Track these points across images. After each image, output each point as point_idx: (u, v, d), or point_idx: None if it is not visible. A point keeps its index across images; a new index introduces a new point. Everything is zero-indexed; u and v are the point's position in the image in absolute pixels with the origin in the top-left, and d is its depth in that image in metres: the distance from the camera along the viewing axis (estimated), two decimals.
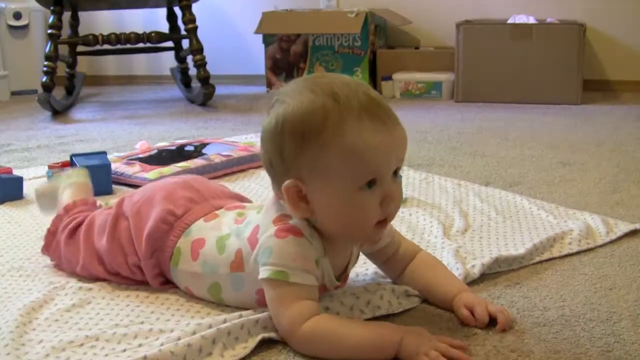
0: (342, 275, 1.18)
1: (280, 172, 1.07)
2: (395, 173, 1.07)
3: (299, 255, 1.06)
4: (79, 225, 1.37)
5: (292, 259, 1.05)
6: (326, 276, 1.13)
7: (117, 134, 2.86)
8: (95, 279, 1.31)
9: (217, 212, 1.26)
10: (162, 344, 1.03)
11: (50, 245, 1.41)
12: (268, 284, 1.06)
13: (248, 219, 1.18)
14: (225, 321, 1.08)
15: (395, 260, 1.23)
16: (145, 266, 1.25)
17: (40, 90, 3.30)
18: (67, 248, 1.36)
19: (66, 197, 1.50)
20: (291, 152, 1.04)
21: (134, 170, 2.00)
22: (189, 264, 1.20)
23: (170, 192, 1.29)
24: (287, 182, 1.05)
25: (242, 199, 1.38)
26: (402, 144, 1.06)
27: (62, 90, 3.79)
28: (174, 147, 2.31)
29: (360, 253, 1.24)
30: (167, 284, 1.27)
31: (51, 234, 1.41)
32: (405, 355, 0.99)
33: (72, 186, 1.54)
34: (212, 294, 1.19)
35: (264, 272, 1.06)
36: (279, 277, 1.05)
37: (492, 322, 1.11)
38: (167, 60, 4.19)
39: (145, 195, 1.31)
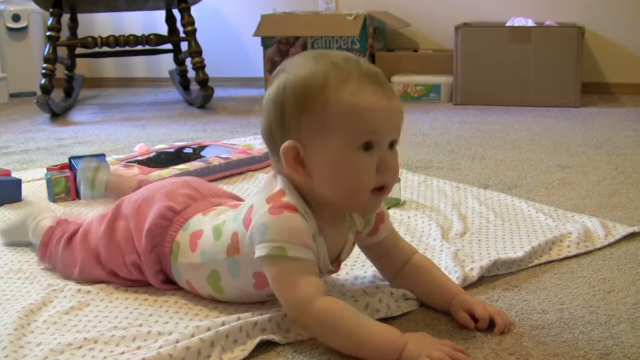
0: (336, 260, 1.18)
1: (280, 137, 1.08)
2: (392, 145, 1.08)
3: (295, 230, 1.06)
4: (74, 233, 1.38)
5: (288, 234, 1.05)
6: (321, 257, 1.13)
7: (116, 136, 2.85)
8: (92, 281, 1.31)
9: (216, 208, 1.27)
10: (160, 347, 1.03)
11: (44, 256, 1.41)
12: (267, 262, 1.06)
13: (243, 203, 1.19)
14: (223, 324, 1.08)
15: (391, 259, 1.23)
16: (145, 262, 1.25)
17: (38, 92, 3.30)
18: (64, 254, 1.36)
19: (48, 220, 1.47)
20: (292, 114, 1.06)
21: (133, 172, 2.00)
22: (188, 256, 1.21)
23: (170, 190, 1.30)
24: (286, 143, 1.06)
25: (240, 200, 1.39)
26: (399, 113, 1.08)
27: (61, 93, 3.78)
28: (172, 150, 2.31)
29: (356, 246, 1.24)
30: (167, 282, 1.27)
31: (44, 245, 1.41)
32: (408, 357, 0.99)
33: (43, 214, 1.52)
34: (211, 283, 1.19)
35: (260, 250, 1.06)
36: (277, 253, 1.05)
37: (490, 325, 1.11)
38: (166, 63, 4.19)
39: (145, 194, 1.32)
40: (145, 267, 1.26)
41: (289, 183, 1.10)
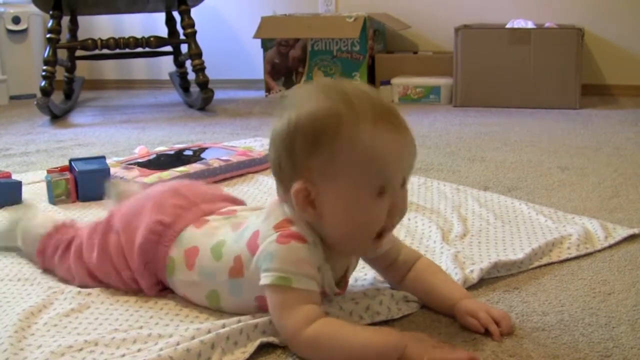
0: (342, 280, 1.17)
1: (289, 174, 1.06)
2: (403, 183, 1.08)
3: (302, 261, 1.05)
4: (69, 245, 1.36)
5: (294, 265, 1.05)
6: (327, 283, 1.12)
7: (116, 138, 2.86)
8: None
9: (207, 217, 1.25)
10: (161, 349, 1.03)
11: (44, 264, 1.40)
12: (271, 290, 1.06)
13: (246, 224, 1.17)
14: (224, 326, 1.08)
15: (396, 267, 1.23)
16: (140, 278, 1.24)
17: (39, 94, 3.30)
18: (60, 267, 1.36)
19: (40, 228, 1.45)
20: (303, 153, 1.04)
21: (133, 174, 2.00)
22: (185, 274, 1.20)
23: (158, 201, 1.28)
24: (296, 184, 1.05)
25: (234, 201, 1.37)
26: (413, 152, 1.07)
27: (61, 95, 3.78)
28: (172, 152, 2.31)
29: (360, 259, 1.24)
30: (164, 290, 1.27)
31: (40, 254, 1.40)
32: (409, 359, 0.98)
33: (30, 217, 1.50)
34: (211, 301, 1.19)
35: (266, 278, 1.05)
36: (282, 283, 1.04)
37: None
38: (166, 65, 4.19)
39: (134, 206, 1.30)
40: (141, 281, 1.25)
41: None
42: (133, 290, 1.27)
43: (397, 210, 1.07)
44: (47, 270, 1.40)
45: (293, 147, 1.04)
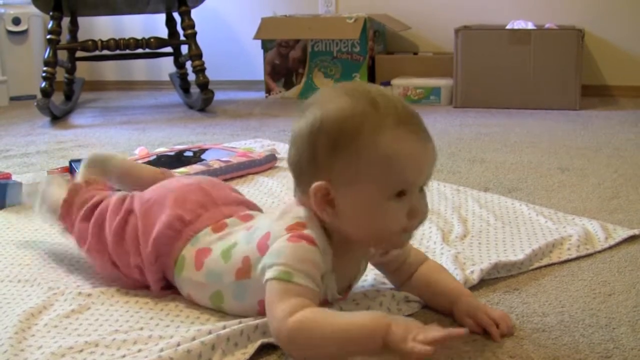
0: (346, 288, 1.17)
1: (310, 173, 1.06)
2: (421, 188, 1.08)
3: (307, 260, 1.04)
4: (95, 206, 1.35)
5: (299, 262, 1.04)
6: (329, 291, 1.12)
7: (116, 139, 2.86)
8: (92, 282, 1.32)
9: (226, 220, 1.25)
10: (161, 350, 1.03)
11: (66, 215, 1.39)
12: (270, 284, 1.04)
13: (256, 225, 1.17)
14: (224, 327, 1.08)
15: (403, 270, 1.22)
16: (148, 270, 1.24)
17: (39, 95, 3.30)
18: (80, 226, 1.35)
19: (61, 190, 1.45)
20: (325, 153, 1.04)
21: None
22: (193, 273, 1.20)
23: (181, 195, 1.28)
24: (317, 183, 1.05)
25: (252, 206, 1.36)
26: (433, 158, 1.07)
27: (61, 96, 3.78)
28: (173, 153, 2.31)
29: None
30: (167, 288, 1.27)
31: (67, 204, 1.39)
32: (395, 339, 0.93)
33: (49, 182, 1.52)
34: (214, 302, 1.18)
35: (269, 273, 1.04)
36: (283, 277, 1.03)
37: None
38: (166, 66, 4.19)
39: (156, 195, 1.30)
40: (147, 273, 1.25)
41: (313, 215, 1.08)
42: (134, 280, 1.27)
43: (416, 213, 1.06)
44: (64, 225, 1.40)
45: (315, 146, 1.04)
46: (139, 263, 1.25)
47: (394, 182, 1.03)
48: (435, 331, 0.93)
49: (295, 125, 1.09)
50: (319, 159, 1.04)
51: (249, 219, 1.25)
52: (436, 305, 1.19)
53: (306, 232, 1.07)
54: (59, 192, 1.44)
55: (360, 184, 1.03)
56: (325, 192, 1.05)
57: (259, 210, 1.37)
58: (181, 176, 1.59)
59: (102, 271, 1.33)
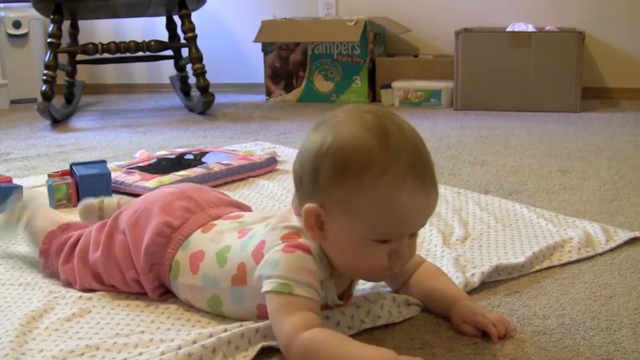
0: (346, 293, 1.17)
1: (308, 192, 1.06)
2: (413, 234, 1.08)
3: (304, 270, 1.05)
4: (74, 246, 1.36)
5: (297, 273, 1.04)
6: (329, 297, 1.12)
7: (117, 142, 2.86)
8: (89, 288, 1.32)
9: (214, 222, 1.26)
10: (162, 353, 1.03)
11: (46, 264, 1.40)
12: (271, 297, 1.05)
13: (252, 232, 1.17)
14: (225, 330, 1.08)
15: (400, 274, 1.22)
16: (144, 280, 1.24)
17: (39, 98, 3.30)
18: (63, 269, 1.35)
19: (44, 219, 1.45)
20: (326, 179, 1.02)
21: (134, 179, 2.00)
22: (189, 277, 1.20)
23: (167, 203, 1.28)
24: (310, 205, 1.05)
25: (240, 206, 1.38)
26: (433, 209, 1.06)
27: (62, 99, 3.79)
28: (173, 156, 2.31)
29: None
30: (166, 294, 1.27)
31: (44, 253, 1.39)
32: None
33: (34, 211, 1.48)
34: (212, 306, 1.19)
35: (267, 285, 1.05)
36: (282, 290, 1.04)
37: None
38: (166, 69, 4.19)
39: (142, 206, 1.30)
40: (144, 283, 1.25)
41: None
42: (134, 292, 1.28)
43: (399, 257, 1.07)
44: (48, 272, 1.40)
45: (319, 169, 1.03)
46: (134, 276, 1.26)
47: (386, 230, 1.03)
48: None
49: (307, 138, 1.08)
50: (319, 182, 1.04)
51: (237, 218, 1.25)
52: (434, 308, 1.19)
53: (301, 240, 1.08)
54: (42, 224, 1.43)
55: (352, 219, 1.03)
56: (317, 215, 1.05)
57: (248, 209, 1.38)
58: (164, 187, 1.59)
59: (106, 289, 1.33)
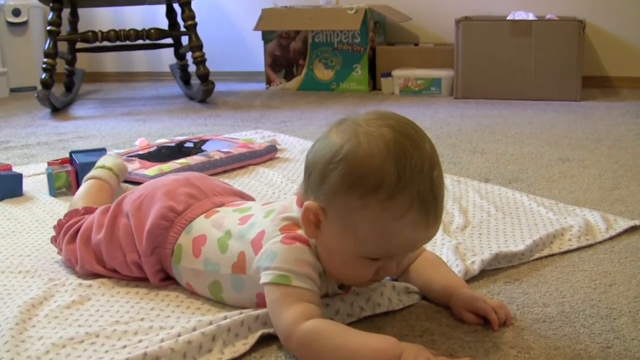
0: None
1: (313, 189, 1.05)
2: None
3: (303, 261, 1.05)
4: (79, 227, 1.37)
5: (295, 264, 1.04)
6: (329, 288, 1.13)
7: (117, 130, 2.85)
8: (93, 276, 1.32)
9: (217, 209, 1.26)
10: (162, 341, 1.03)
11: (56, 238, 1.41)
12: (269, 288, 1.05)
13: (252, 220, 1.17)
14: (225, 318, 1.08)
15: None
16: (145, 263, 1.25)
17: (39, 87, 3.30)
18: (67, 249, 1.36)
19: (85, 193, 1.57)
20: (333, 187, 1.01)
21: (134, 167, 2.00)
22: (191, 261, 1.20)
23: (171, 188, 1.29)
24: (312, 203, 1.04)
25: (244, 196, 1.38)
26: (430, 239, 1.07)
27: (62, 87, 3.78)
28: (173, 144, 2.31)
29: None
30: (167, 280, 1.27)
31: (59, 227, 1.41)
32: None
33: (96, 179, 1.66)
34: (213, 292, 1.19)
35: (265, 277, 1.05)
36: (281, 281, 1.04)
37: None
38: (166, 57, 4.18)
39: (146, 192, 1.31)
40: (145, 266, 1.25)
41: None
42: (135, 277, 1.28)
43: (385, 272, 1.08)
44: (57, 248, 1.41)
45: (328, 175, 1.02)
46: (135, 259, 1.26)
47: (378, 252, 1.04)
48: None
49: (327, 134, 1.06)
50: (326, 186, 1.02)
51: (239, 206, 1.26)
52: (434, 298, 1.19)
53: (300, 232, 1.08)
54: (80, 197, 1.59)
55: (348, 233, 1.02)
56: (316, 215, 1.05)
57: (251, 199, 1.38)
58: (168, 174, 1.60)
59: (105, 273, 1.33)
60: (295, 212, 1.11)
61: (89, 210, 1.43)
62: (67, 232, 1.38)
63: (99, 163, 1.75)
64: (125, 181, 1.96)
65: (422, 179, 0.99)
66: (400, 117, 1.04)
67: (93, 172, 1.71)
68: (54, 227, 1.43)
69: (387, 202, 0.98)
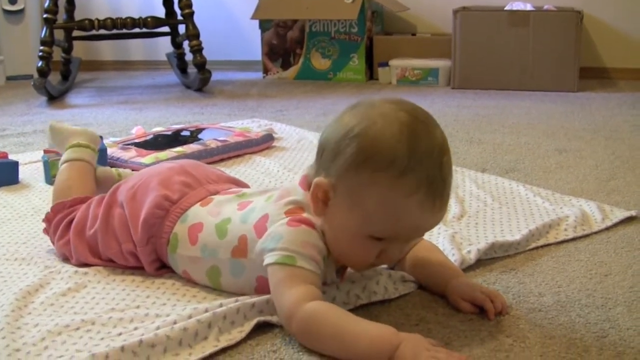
0: (341, 269, 1.17)
1: (325, 166, 1.06)
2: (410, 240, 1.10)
3: (308, 244, 1.05)
4: (71, 222, 1.36)
5: (300, 246, 1.05)
6: (328, 273, 1.13)
7: (113, 119, 2.85)
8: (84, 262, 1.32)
9: (212, 197, 1.26)
10: (158, 328, 1.03)
11: (48, 230, 1.40)
12: (273, 269, 1.05)
13: (252, 205, 1.17)
14: (221, 305, 1.08)
15: None
16: (141, 252, 1.24)
17: (35, 75, 3.29)
18: (59, 244, 1.35)
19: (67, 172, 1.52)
20: (345, 163, 1.02)
21: (130, 155, 2.00)
22: (188, 249, 1.20)
23: (166, 177, 1.29)
24: (322, 179, 1.05)
25: (238, 183, 1.38)
26: (435, 225, 1.07)
27: (58, 76, 3.77)
28: (169, 133, 2.30)
29: None
30: (162, 268, 1.27)
31: (48, 221, 1.40)
32: (400, 359, 0.94)
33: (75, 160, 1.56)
34: (211, 277, 1.19)
35: (270, 257, 1.05)
36: (286, 262, 1.04)
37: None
38: (163, 46, 4.17)
39: (140, 180, 1.30)
40: (141, 256, 1.25)
41: None
42: (131, 266, 1.28)
43: (386, 257, 1.08)
44: (50, 238, 1.40)
45: (341, 150, 1.03)
46: (131, 249, 1.25)
47: (383, 230, 1.04)
48: (443, 353, 0.94)
49: (341, 116, 1.07)
50: (338, 162, 1.03)
51: (235, 193, 1.26)
52: (430, 286, 1.19)
53: (305, 215, 1.08)
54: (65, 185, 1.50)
55: (356, 209, 1.03)
56: (325, 191, 1.05)
57: (245, 186, 1.38)
58: (163, 162, 1.60)
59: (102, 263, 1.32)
60: (300, 195, 1.11)
61: (76, 201, 1.41)
62: (57, 227, 1.37)
63: (72, 141, 1.61)
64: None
65: (433, 162, 1.01)
66: (414, 105, 1.07)
67: (73, 154, 1.57)
68: (43, 220, 1.41)
69: (397, 180, 0.99)
